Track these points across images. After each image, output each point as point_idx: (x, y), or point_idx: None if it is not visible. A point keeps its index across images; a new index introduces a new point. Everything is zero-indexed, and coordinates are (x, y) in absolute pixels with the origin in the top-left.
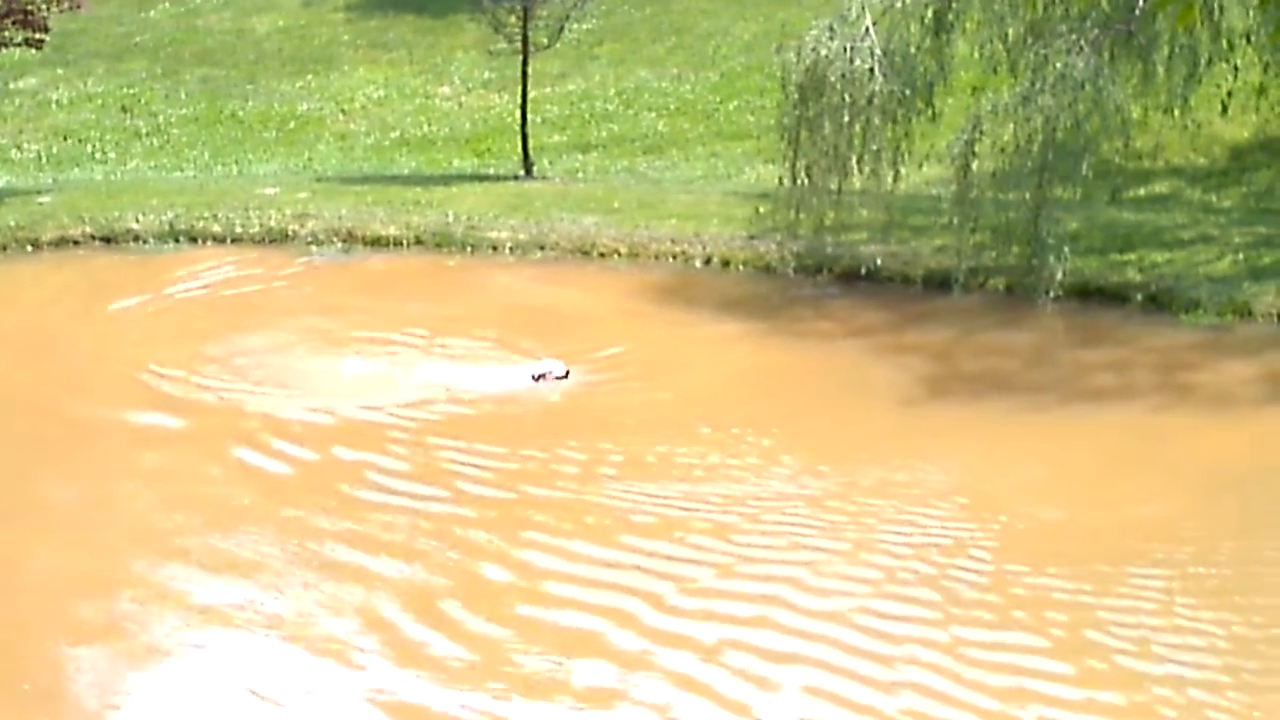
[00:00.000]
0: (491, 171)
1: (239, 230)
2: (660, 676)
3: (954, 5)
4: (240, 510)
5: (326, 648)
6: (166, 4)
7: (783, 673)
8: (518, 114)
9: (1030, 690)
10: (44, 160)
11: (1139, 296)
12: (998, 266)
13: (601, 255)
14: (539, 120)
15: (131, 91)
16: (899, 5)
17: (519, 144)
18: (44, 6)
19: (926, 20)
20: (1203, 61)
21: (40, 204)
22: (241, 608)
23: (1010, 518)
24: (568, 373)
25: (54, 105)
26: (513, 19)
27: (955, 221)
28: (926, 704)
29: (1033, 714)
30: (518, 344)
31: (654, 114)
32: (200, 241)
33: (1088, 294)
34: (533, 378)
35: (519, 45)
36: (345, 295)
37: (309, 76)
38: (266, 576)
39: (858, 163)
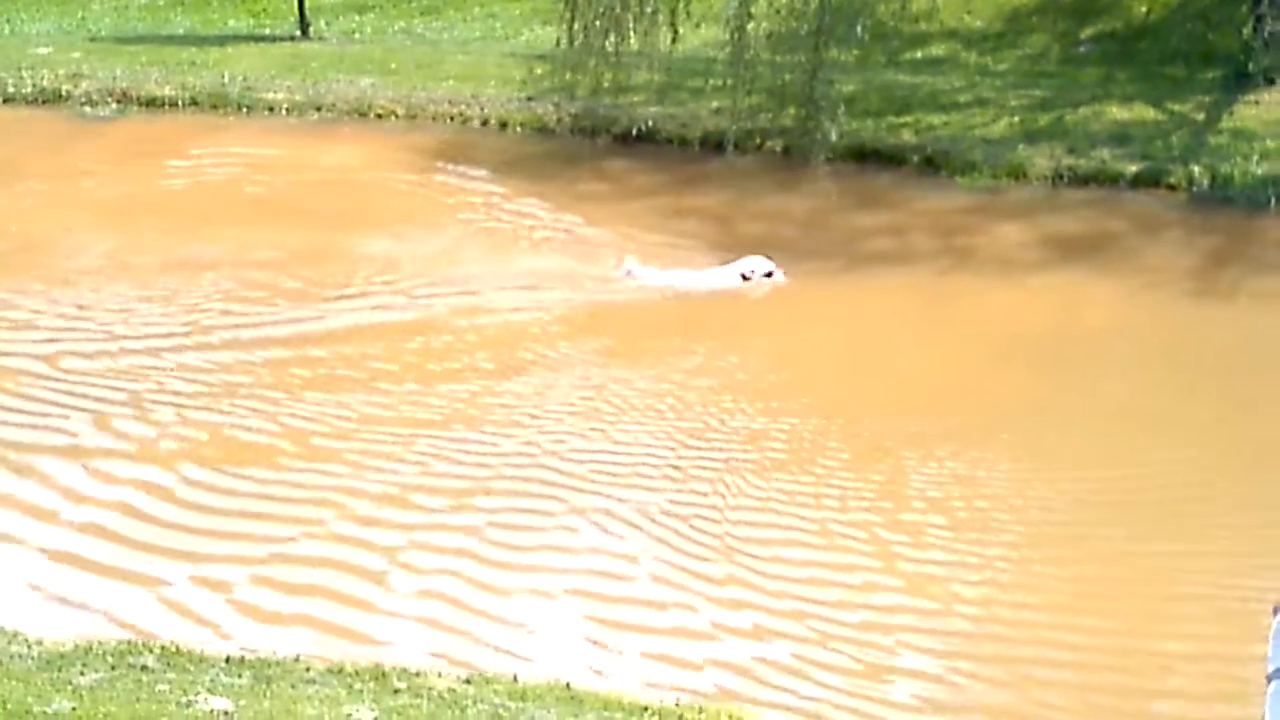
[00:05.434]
0: (267, 32)
1: (11, 90)
2: None
3: None
4: None
5: None
6: None
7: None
8: None
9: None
10: None
11: (915, 159)
12: (774, 129)
13: (379, 116)
14: None
15: None
16: None
17: (295, 4)
18: None
19: None
20: None
21: None
22: None
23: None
24: (772, 272)
25: None
26: None
27: (731, 83)
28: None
29: None
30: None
31: None
32: None
33: (864, 156)
34: (741, 276)
35: None
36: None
37: None
38: None
39: (635, 24)
